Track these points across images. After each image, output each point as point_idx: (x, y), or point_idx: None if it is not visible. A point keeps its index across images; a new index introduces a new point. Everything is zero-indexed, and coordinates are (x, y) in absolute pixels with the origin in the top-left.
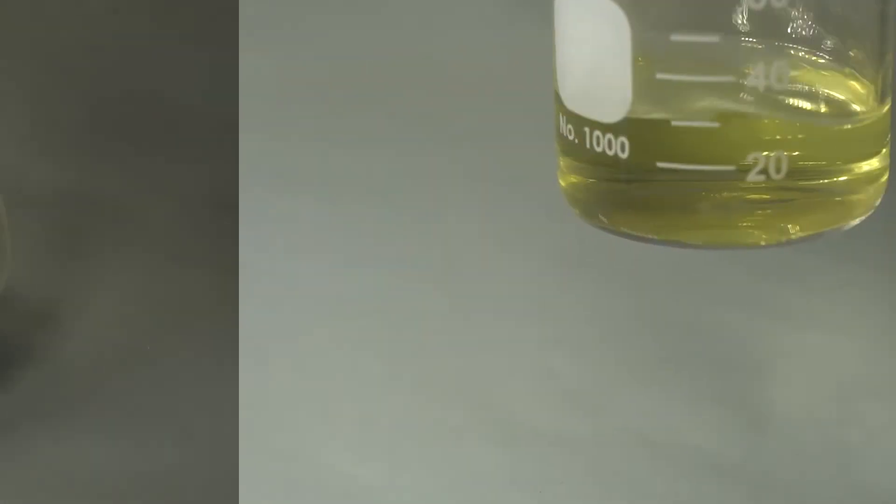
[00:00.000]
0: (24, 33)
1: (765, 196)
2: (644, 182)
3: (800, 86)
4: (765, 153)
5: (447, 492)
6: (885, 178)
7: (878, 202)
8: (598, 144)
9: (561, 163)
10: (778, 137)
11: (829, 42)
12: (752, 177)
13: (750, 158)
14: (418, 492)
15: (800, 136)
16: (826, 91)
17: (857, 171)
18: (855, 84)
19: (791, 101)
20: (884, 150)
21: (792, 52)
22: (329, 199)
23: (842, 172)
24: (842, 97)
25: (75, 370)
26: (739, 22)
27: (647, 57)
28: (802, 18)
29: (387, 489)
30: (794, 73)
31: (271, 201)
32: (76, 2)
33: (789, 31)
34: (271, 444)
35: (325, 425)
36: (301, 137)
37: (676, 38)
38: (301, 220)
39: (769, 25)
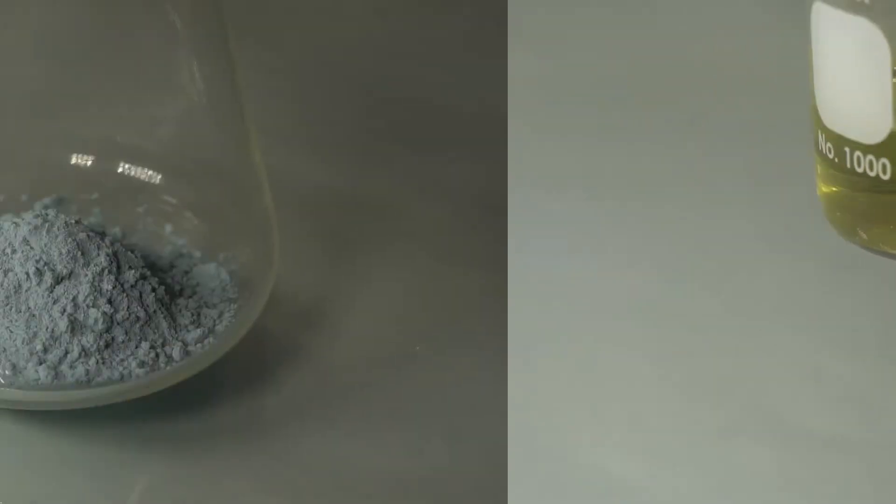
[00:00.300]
0: (296, 34)
1: None
2: None
3: None
4: None
5: (716, 492)
6: None
7: None
8: (858, 164)
9: (820, 176)
10: None
11: None
12: None
13: None
14: (686, 492)
15: None
16: None
17: None
18: None
19: None
20: None
21: None
22: (597, 199)
23: None
24: None
25: (344, 370)
26: None
27: None
28: None
29: (655, 490)
30: None
31: (540, 201)
32: (345, 3)
33: None
34: (540, 444)
35: (594, 426)
36: (569, 137)
37: None
38: (569, 219)
39: None
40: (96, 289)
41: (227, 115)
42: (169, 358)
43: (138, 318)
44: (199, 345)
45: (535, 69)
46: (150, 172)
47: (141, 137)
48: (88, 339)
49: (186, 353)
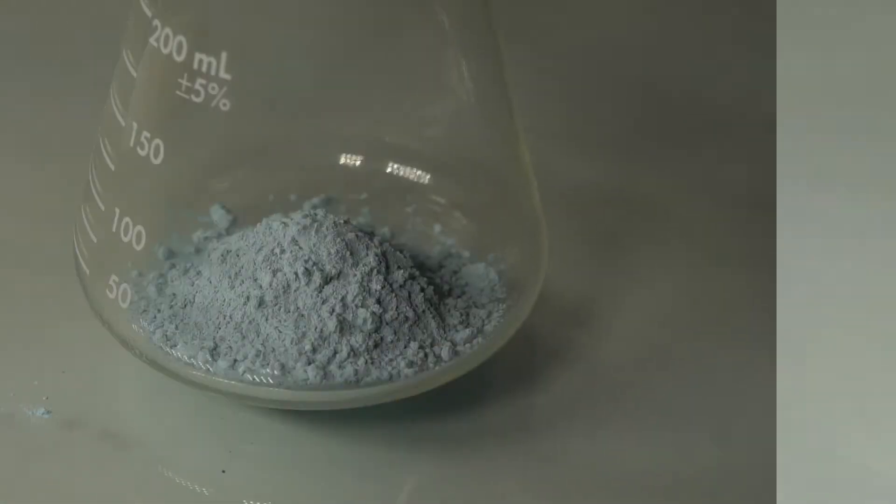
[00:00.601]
0: (563, 32)
1: None
2: None
3: None
4: None
5: None
6: None
7: None
8: None
9: None
10: None
11: None
12: None
13: None
14: None
15: None
16: None
17: None
18: None
19: None
20: None
21: None
22: (866, 197)
23: None
24: None
25: (612, 370)
26: None
27: None
28: None
29: None
30: None
31: (808, 199)
32: (613, 1)
33: None
34: (808, 444)
35: (864, 425)
36: (839, 135)
37: None
38: (839, 218)
39: None
40: (365, 289)
41: (495, 115)
42: (438, 358)
43: (407, 318)
44: (467, 345)
45: (804, 66)
46: (419, 172)
47: (410, 137)
48: (357, 340)
49: (455, 352)
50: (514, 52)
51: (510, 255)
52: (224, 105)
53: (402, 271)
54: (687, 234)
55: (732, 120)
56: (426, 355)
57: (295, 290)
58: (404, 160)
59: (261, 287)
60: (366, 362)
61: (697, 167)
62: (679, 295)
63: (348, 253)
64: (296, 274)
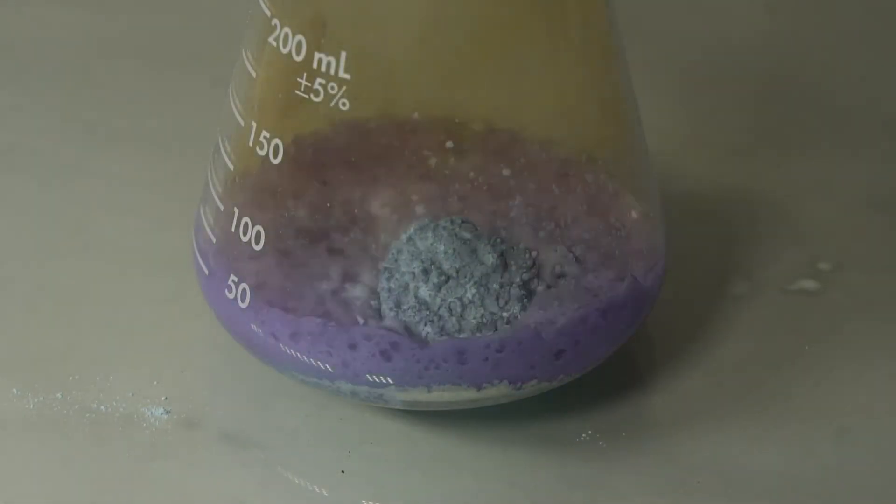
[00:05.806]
0: (683, 31)
1: None
2: None
3: None
4: None
5: None
6: None
7: None
8: None
9: None
10: None
11: None
12: None
13: None
14: None
15: None
16: None
17: None
18: None
19: None
20: None
21: None
22: None
23: None
24: None
25: (731, 369)
26: None
27: None
28: None
29: None
30: None
31: None
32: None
33: None
34: None
35: None
36: None
37: None
38: None
39: None
40: (483, 288)
41: (617, 114)
42: None
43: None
44: None
45: None
46: (538, 170)
47: (531, 135)
48: None
49: None
50: (633, 49)
51: (630, 253)
52: (343, 105)
53: (521, 271)
54: (806, 234)
55: (855, 120)
56: None
57: (413, 290)
58: (526, 159)
59: (378, 287)
60: None
61: (817, 167)
62: (800, 295)
63: (466, 252)
64: (413, 274)
